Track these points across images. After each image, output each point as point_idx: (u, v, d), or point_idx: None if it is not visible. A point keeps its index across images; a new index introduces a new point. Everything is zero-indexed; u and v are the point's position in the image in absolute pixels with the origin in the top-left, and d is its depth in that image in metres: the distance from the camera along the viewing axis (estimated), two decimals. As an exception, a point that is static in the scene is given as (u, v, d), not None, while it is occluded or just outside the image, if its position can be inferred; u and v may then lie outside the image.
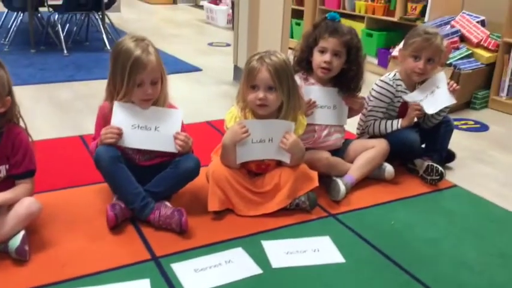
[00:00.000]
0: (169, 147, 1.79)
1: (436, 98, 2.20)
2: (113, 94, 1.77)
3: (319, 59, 2.07)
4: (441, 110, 2.24)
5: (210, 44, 5.25)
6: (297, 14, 4.98)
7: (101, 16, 4.78)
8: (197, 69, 4.07)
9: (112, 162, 1.71)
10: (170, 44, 5.18)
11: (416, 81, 2.25)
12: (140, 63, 1.68)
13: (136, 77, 1.69)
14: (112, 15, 5.77)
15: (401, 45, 2.40)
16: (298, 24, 4.95)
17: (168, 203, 1.80)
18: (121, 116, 1.76)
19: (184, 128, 1.86)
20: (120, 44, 1.73)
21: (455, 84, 2.25)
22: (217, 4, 6.49)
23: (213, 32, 6.02)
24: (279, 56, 1.82)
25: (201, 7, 6.92)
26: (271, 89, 1.80)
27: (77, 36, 5.04)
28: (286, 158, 1.87)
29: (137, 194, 1.73)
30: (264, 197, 1.88)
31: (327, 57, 2.05)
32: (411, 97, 2.23)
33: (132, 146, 1.79)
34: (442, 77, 2.22)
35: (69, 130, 2.66)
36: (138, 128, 1.77)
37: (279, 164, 1.92)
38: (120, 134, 1.74)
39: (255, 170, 1.93)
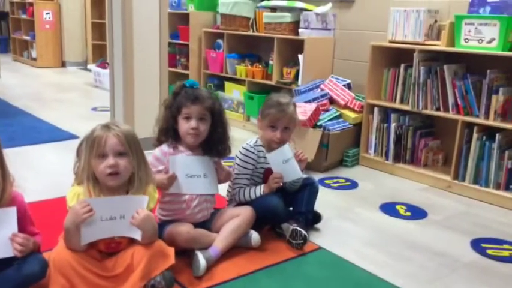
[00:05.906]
0: (6, 252, 1.59)
1: (289, 168, 2.24)
2: None
3: (185, 126, 2.05)
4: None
5: (94, 109, 5.08)
6: (183, 78, 5.02)
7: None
8: (74, 137, 3.85)
9: None
10: (50, 110, 4.94)
11: (276, 148, 2.29)
12: None
13: None
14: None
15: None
16: (184, 87, 4.98)
17: (2, 301, 1.59)
18: None
19: (29, 214, 1.70)
20: None
21: (302, 154, 2.33)
22: (105, 67, 6.37)
23: (100, 96, 5.84)
24: (123, 125, 1.78)
25: (90, 70, 6.74)
26: (121, 154, 1.72)
27: None
28: (137, 235, 1.76)
29: None
30: (115, 281, 1.73)
31: (193, 123, 2.03)
32: (272, 157, 2.24)
33: None
34: (287, 149, 2.25)
35: None
36: None
37: (132, 241, 1.80)
38: None
39: (104, 250, 1.79)
